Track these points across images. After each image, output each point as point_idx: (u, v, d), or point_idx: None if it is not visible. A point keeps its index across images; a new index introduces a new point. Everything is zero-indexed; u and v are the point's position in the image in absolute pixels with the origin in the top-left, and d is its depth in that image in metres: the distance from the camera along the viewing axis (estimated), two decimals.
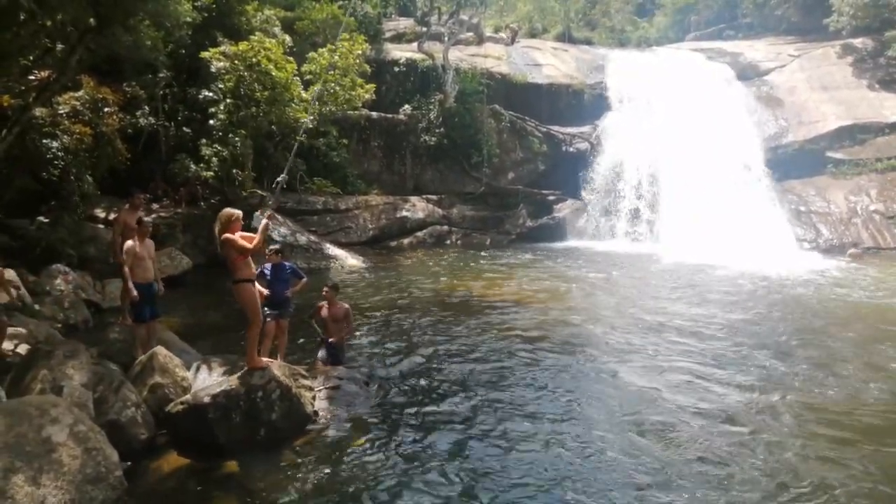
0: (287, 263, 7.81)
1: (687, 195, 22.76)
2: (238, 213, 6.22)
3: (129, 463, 5.28)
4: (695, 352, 8.73)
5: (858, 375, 7.69)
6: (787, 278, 15.33)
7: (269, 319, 7.34)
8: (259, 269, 7.73)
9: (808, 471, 5.22)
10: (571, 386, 7.39)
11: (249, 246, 6.03)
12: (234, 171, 17.45)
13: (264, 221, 6.27)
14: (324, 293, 7.99)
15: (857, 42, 27.63)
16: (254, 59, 16.89)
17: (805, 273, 16.18)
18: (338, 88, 19.39)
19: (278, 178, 7.02)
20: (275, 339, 7.54)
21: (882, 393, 7.08)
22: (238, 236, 6.07)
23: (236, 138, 17.06)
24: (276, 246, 7.95)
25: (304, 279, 8.07)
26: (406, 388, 7.42)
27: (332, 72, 19.52)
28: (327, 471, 5.37)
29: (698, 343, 9.18)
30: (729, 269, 16.40)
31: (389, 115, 23.84)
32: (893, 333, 9.84)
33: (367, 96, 20.04)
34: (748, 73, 27.70)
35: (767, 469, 5.24)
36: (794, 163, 24.45)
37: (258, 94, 17.24)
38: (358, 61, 19.83)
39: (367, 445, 5.87)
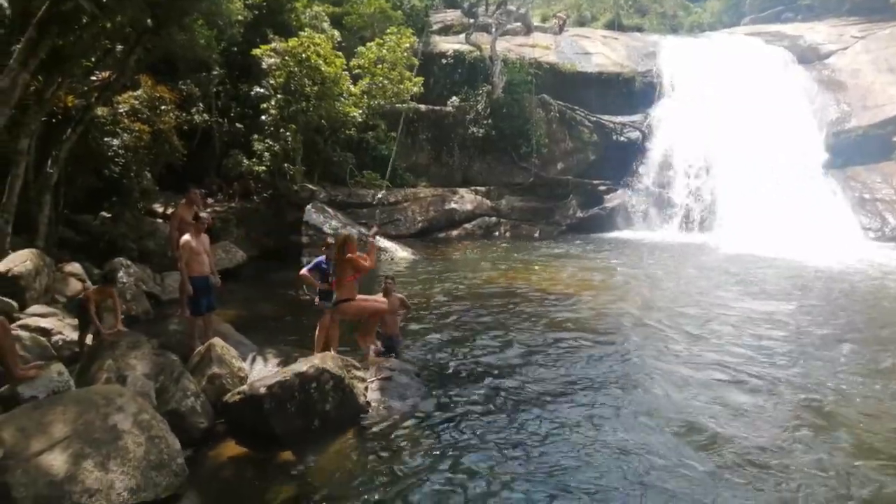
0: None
1: (743, 184, 22.13)
2: (353, 234, 6.61)
3: (189, 451, 5.43)
4: (748, 347, 8.45)
5: None
6: (849, 269, 14.77)
7: (327, 310, 7.50)
8: (315, 262, 7.85)
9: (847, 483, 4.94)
10: (623, 381, 7.24)
11: (366, 265, 6.52)
12: (286, 165, 17.77)
13: (371, 240, 6.87)
14: (386, 284, 8.00)
15: None
16: (303, 55, 17.13)
17: (868, 264, 15.55)
18: (386, 82, 19.53)
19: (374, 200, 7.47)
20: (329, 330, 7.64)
21: None
22: (356, 255, 6.54)
23: (287, 133, 17.35)
24: (331, 240, 8.05)
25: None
26: (457, 379, 7.42)
27: (381, 65, 19.67)
28: (378, 461, 5.42)
29: (753, 338, 8.87)
30: (788, 260, 15.90)
31: (437, 108, 23.85)
32: None
33: (414, 89, 20.12)
34: (808, 57, 26.70)
35: (804, 480, 4.93)
36: (857, 148, 23.49)
37: (308, 89, 17.48)
38: (406, 54, 19.93)
39: (418, 436, 5.89)
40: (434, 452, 5.54)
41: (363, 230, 18.18)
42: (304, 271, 7.94)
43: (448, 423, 6.17)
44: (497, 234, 22.42)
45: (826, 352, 8.13)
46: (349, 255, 6.49)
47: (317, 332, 7.72)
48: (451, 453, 5.50)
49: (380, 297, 7.29)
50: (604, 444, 5.61)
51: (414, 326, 9.73)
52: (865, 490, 4.63)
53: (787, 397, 6.56)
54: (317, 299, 7.95)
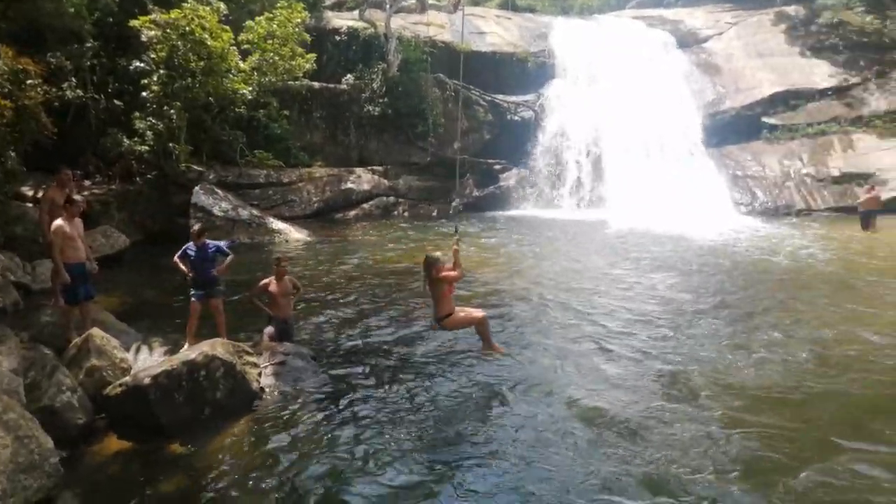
0: (211, 243, 7.59)
1: (630, 162, 23.20)
2: (438, 257, 6.92)
3: (66, 450, 5.09)
4: (630, 321, 8.86)
5: (785, 337, 8.00)
6: (724, 241, 15.86)
7: (193, 299, 7.45)
8: (182, 250, 7.53)
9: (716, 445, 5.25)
10: (511, 355, 7.43)
11: (456, 275, 6.83)
12: (170, 144, 16.86)
13: (455, 247, 7.09)
14: (279, 266, 7.81)
15: (790, 10, 28.34)
16: (187, 28, 16.23)
17: (740, 236, 16.74)
18: (277, 58, 18.89)
19: (453, 203, 7.32)
20: (212, 319, 7.44)
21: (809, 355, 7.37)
22: (446, 271, 6.80)
23: (171, 111, 16.43)
24: (198, 226, 7.70)
25: (230, 257, 7.85)
26: (353, 360, 7.37)
27: (271, 41, 18.97)
28: (274, 446, 5.30)
29: (635, 312, 9.26)
30: (671, 234, 16.80)
31: (331, 86, 23.34)
32: (812, 294, 10.30)
33: (307, 66, 19.59)
34: (688, 41, 28.14)
35: (676, 448, 5.16)
36: (731, 129, 25.12)
37: (193, 64, 16.62)
38: (297, 30, 19.33)
39: (314, 420, 5.81)
40: (330, 435, 5.49)
41: (255, 212, 17.62)
42: (176, 258, 7.62)
43: (344, 404, 6.12)
44: (395, 213, 22.35)
45: (701, 323, 8.59)
46: (441, 275, 6.72)
47: (189, 321, 7.48)
48: (346, 434, 5.47)
49: (471, 309, 7.25)
50: (491, 418, 5.74)
51: (310, 309, 9.56)
52: (731, 455, 4.90)
53: (663, 369, 6.86)
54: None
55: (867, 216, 18.26)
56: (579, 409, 5.80)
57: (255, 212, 17.63)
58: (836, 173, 23.39)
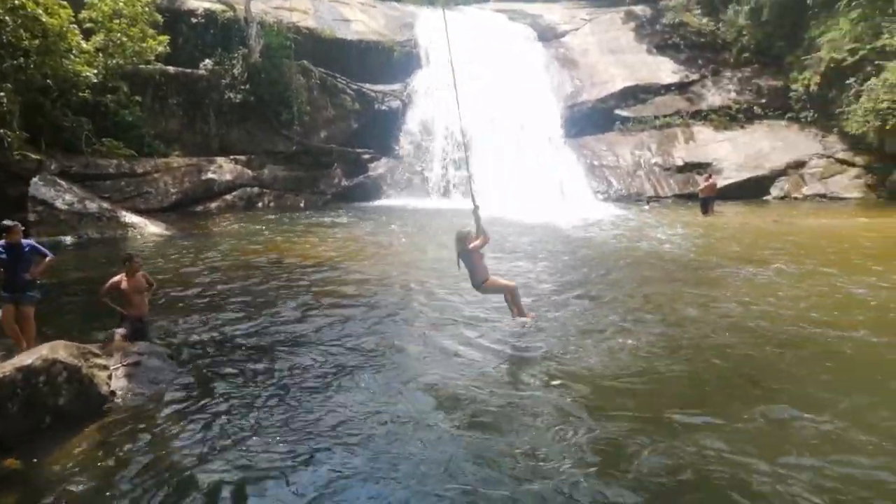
0: (26, 241, 6.94)
1: (495, 152, 23.82)
2: (469, 231, 7.73)
3: None
4: (493, 308, 9.16)
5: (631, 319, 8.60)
6: (583, 227, 16.79)
7: (7, 302, 6.80)
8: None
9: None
10: (379, 345, 7.42)
11: (482, 242, 7.64)
12: (2, 130, 15.27)
13: (479, 215, 7.74)
14: (132, 263, 7.32)
15: (638, 9, 30.30)
16: (16, 2, 14.72)
17: (597, 222, 17.79)
18: (125, 39, 17.63)
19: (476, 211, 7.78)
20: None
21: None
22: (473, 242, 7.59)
23: (1, 93, 14.87)
24: (9, 222, 6.92)
25: (49, 257, 7.20)
26: (214, 357, 7.06)
27: (118, 20, 17.66)
28: (126, 451, 4.97)
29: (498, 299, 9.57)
30: (535, 221, 17.49)
31: (189, 71, 22.10)
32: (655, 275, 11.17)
33: (160, 48, 18.45)
34: (547, 35, 29.24)
35: (537, 434, 5.30)
36: (588, 120, 26.48)
37: (26, 42, 15.11)
38: (147, 10, 18.12)
39: (171, 419, 5.51)
40: (186, 433, 5.24)
41: (105, 205, 16.40)
42: None
43: (203, 401, 5.86)
44: (260, 204, 21.64)
45: (560, 310, 8.83)
46: (471, 245, 7.53)
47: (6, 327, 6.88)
48: (205, 431, 5.25)
49: (503, 279, 8.18)
50: (350, 406, 5.70)
51: (168, 306, 9.05)
52: (583, 442, 5.00)
53: (521, 356, 7.05)
54: None
55: (706, 202, 19.97)
56: (438, 398, 5.83)
57: (105, 205, 16.41)
58: (679, 163, 25.38)
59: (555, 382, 6.19)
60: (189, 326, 8.12)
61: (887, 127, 21.94)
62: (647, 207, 21.96)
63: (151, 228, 15.92)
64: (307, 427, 5.31)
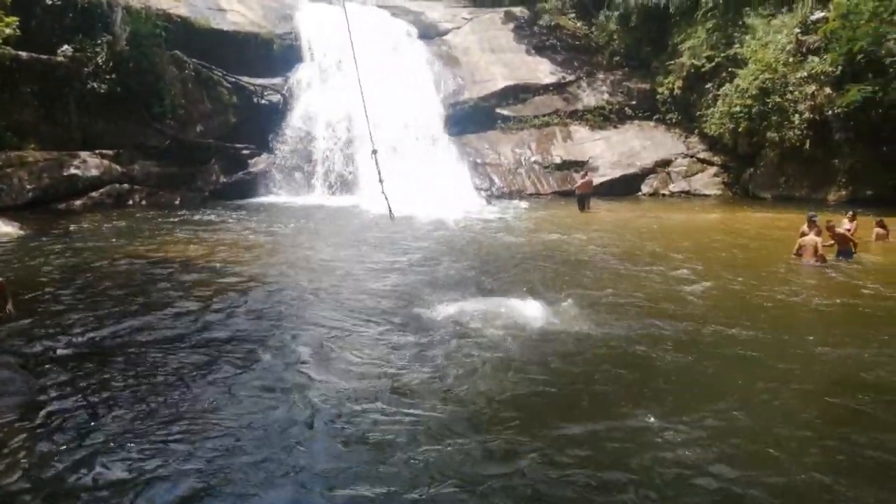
0: None
1: (380, 148, 23.68)
2: None
3: None
4: (370, 298, 9.21)
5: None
6: (466, 222, 17.16)
7: None
8: None
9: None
10: (257, 344, 7.26)
11: None
12: None
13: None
14: None
15: (517, 11, 31.13)
16: None
17: (479, 218, 18.21)
18: None
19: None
20: None
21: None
22: None
23: None
24: None
25: None
26: (73, 363, 6.55)
27: None
28: None
29: (374, 293, 9.59)
30: (419, 218, 17.57)
31: (45, 57, 20.33)
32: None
33: (7, 31, 16.89)
34: (429, 33, 29.37)
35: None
36: (470, 118, 26.92)
37: None
38: None
39: (17, 433, 5.06)
40: (36, 445, 4.85)
41: None
42: None
43: (56, 411, 5.45)
44: (131, 202, 20.36)
45: (435, 311, 8.60)
46: None
47: None
48: (66, 452, 4.84)
49: None
50: (223, 418, 5.47)
51: (21, 312, 8.30)
52: (437, 462, 4.78)
53: (389, 367, 6.82)
54: None
55: (583, 199, 20.91)
56: (316, 408, 5.61)
57: None
58: (558, 161, 26.42)
59: (420, 394, 5.96)
60: (45, 332, 7.48)
61: (740, 129, 23.95)
62: (526, 204, 22.61)
63: (2, 228, 14.55)
64: (168, 437, 5.05)
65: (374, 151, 7.49)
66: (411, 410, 5.50)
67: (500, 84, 27.88)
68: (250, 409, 5.56)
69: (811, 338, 7.69)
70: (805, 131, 22.56)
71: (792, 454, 4.82)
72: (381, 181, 7.41)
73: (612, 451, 4.88)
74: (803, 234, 12.43)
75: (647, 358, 6.84)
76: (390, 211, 7.49)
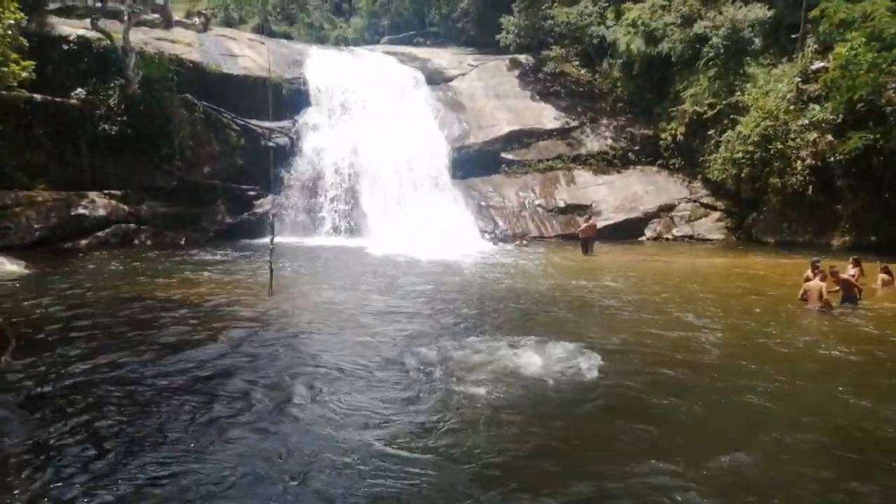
0: None
1: (386, 191, 24.02)
2: None
3: None
4: (376, 340, 9.18)
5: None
6: (469, 265, 17.22)
7: None
8: None
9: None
10: (258, 382, 7.24)
11: None
12: None
13: None
14: None
15: (522, 58, 31.73)
16: None
17: (484, 261, 18.24)
18: None
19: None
20: None
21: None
22: None
23: None
24: None
25: None
26: (75, 403, 6.52)
27: None
28: None
29: (378, 335, 9.59)
30: (425, 260, 17.65)
31: (59, 100, 20.78)
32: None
33: (24, 74, 17.26)
34: (436, 79, 29.95)
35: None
36: (475, 162, 27.25)
37: None
38: (11, 32, 16.98)
39: (22, 479, 5.00)
40: (34, 493, 4.77)
41: None
42: None
43: (54, 451, 5.39)
44: (137, 242, 20.51)
45: (430, 344, 8.84)
46: None
47: None
48: (53, 491, 4.79)
49: None
50: (220, 465, 5.42)
51: (24, 350, 8.28)
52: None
53: (390, 398, 6.98)
54: None
55: (586, 242, 20.96)
56: (305, 457, 5.47)
57: None
58: (562, 204, 26.61)
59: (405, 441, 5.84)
60: (47, 372, 7.47)
61: (742, 175, 24.10)
62: (531, 248, 22.65)
63: (8, 267, 14.65)
64: (156, 480, 5.00)
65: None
66: (404, 467, 5.26)
67: (505, 129, 28.28)
68: (241, 453, 5.48)
69: (822, 387, 7.60)
70: (807, 177, 22.69)
71: None
72: (271, 248, 7.60)
73: (616, 496, 4.80)
74: (807, 280, 12.41)
75: (656, 407, 6.70)
76: (271, 286, 7.52)
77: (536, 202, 26.68)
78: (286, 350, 8.72)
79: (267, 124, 24.78)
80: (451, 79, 30.51)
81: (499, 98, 29.78)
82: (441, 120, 27.49)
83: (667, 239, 25.86)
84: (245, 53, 26.47)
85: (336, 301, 12.27)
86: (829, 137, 22.19)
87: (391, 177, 24.39)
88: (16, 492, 4.79)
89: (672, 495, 4.81)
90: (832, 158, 21.85)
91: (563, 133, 29.20)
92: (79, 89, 21.16)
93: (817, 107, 22.73)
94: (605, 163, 28.31)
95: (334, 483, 4.99)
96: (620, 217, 26.35)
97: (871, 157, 20.69)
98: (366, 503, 4.73)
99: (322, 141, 24.71)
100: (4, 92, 17.50)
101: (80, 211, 19.56)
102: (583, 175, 27.88)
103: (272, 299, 11.74)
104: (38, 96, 19.95)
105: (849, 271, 13.57)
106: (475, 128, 28.24)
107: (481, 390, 7.04)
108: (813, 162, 22.52)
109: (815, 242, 22.48)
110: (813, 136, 22.67)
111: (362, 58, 29.48)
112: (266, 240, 22.02)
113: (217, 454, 5.45)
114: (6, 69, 16.56)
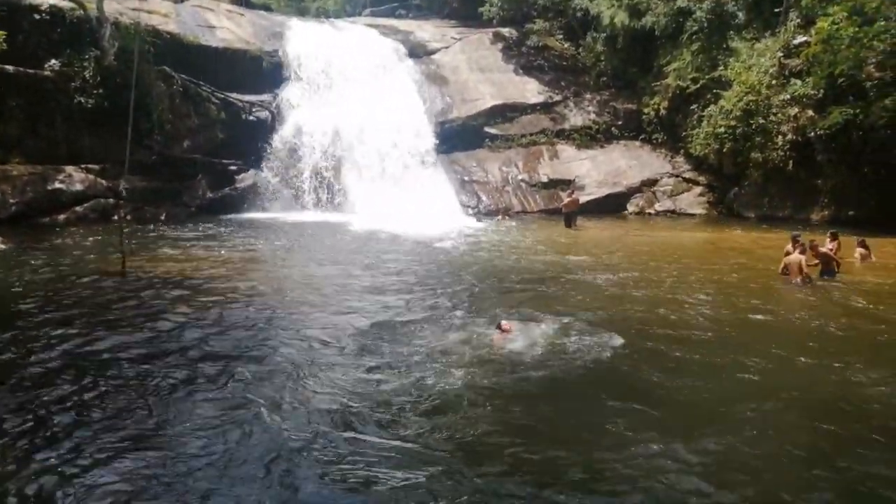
0: None
1: (368, 165, 23.83)
2: None
3: None
4: (361, 316, 9.15)
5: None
6: (451, 239, 17.23)
7: None
8: None
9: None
10: (241, 358, 7.23)
11: None
12: None
13: None
14: None
15: (505, 31, 31.39)
16: None
17: (466, 236, 18.23)
18: None
19: None
20: None
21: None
22: None
23: None
24: None
25: None
26: (47, 383, 6.43)
27: None
28: None
29: (363, 312, 9.54)
30: (408, 235, 17.60)
31: (31, 71, 20.25)
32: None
33: None
34: (418, 52, 29.54)
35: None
36: (459, 137, 27.03)
37: None
38: None
39: None
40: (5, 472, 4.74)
41: None
42: None
43: (33, 433, 5.34)
44: (116, 217, 20.17)
45: (413, 335, 8.52)
46: None
47: None
48: (26, 469, 4.75)
49: None
50: (195, 439, 5.41)
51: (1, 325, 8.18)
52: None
53: (375, 372, 6.97)
54: None
55: (569, 217, 21.02)
56: (289, 432, 5.45)
57: None
58: (545, 179, 26.57)
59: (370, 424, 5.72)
60: (22, 348, 7.38)
61: (724, 150, 24.22)
62: (514, 223, 22.68)
63: None
64: (137, 461, 4.97)
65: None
66: (392, 441, 5.27)
67: (489, 103, 28.06)
68: (223, 430, 5.46)
69: (809, 359, 7.70)
70: (788, 152, 22.86)
71: (791, 486, 4.79)
72: (121, 235, 7.51)
73: (610, 478, 4.81)
74: (788, 254, 12.56)
75: (644, 383, 6.71)
76: (123, 265, 7.38)
77: (520, 177, 26.62)
78: (268, 326, 8.68)
79: (247, 98, 24.41)
80: (433, 52, 30.12)
81: (482, 72, 29.49)
82: (424, 94, 27.20)
83: (649, 213, 25.99)
84: (224, 25, 25.91)
85: (316, 276, 12.21)
86: (810, 112, 22.32)
87: (373, 151, 24.17)
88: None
89: (663, 477, 4.80)
90: (812, 133, 21.99)
91: (546, 107, 29.05)
92: (52, 60, 20.63)
93: (799, 81, 22.82)
94: (589, 137, 28.25)
95: (320, 456, 5.03)
96: (603, 192, 26.39)
97: (850, 132, 20.85)
98: (350, 476, 4.76)
99: (303, 115, 24.37)
100: None
101: (57, 185, 19.20)
102: (566, 150, 27.82)
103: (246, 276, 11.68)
104: (9, 67, 19.43)
105: (827, 245, 13.76)
106: (458, 102, 27.99)
107: (460, 370, 6.92)
108: (794, 137, 22.66)
109: (796, 217, 22.73)
110: (794, 110, 22.79)
111: (344, 30, 29.02)
112: (250, 215, 22.04)
113: (197, 431, 5.43)
114: None
